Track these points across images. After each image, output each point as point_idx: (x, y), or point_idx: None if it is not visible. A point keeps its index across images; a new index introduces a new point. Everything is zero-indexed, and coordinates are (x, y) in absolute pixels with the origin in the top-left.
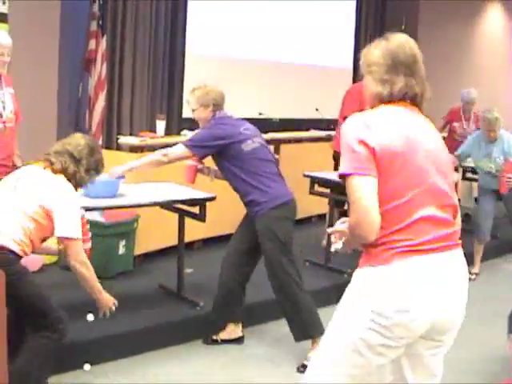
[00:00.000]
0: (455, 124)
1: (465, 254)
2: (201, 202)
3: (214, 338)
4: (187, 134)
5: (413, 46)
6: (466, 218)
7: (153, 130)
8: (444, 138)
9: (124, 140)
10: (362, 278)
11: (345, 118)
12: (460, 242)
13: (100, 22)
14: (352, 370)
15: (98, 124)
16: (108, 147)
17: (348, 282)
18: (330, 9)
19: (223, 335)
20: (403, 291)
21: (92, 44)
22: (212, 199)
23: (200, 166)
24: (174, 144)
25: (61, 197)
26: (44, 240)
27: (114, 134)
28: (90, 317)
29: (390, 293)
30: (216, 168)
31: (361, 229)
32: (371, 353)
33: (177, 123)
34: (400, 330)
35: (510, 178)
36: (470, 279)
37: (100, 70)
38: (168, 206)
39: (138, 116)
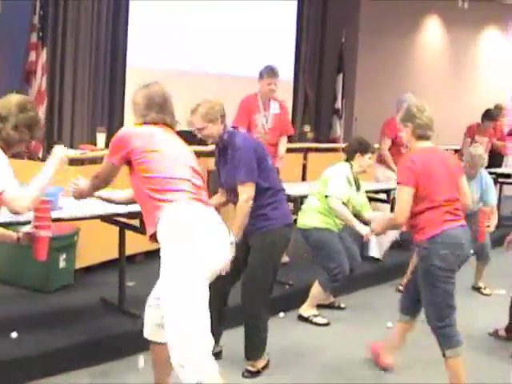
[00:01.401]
0: (401, 135)
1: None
2: (141, 215)
3: None
4: None
5: (165, 91)
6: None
7: (94, 142)
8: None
9: None
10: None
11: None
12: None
13: (40, 34)
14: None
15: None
16: None
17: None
18: (271, 21)
19: None
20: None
21: (32, 56)
22: None
23: None
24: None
25: None
26: None
27: (54, 147)
28: (14, 334)
29: (186, 228)
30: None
31: None
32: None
33: None
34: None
35: (487, 225)
36: (402, 291)
37: (40, 82)
38: (108, 219)
39: (79, 128)
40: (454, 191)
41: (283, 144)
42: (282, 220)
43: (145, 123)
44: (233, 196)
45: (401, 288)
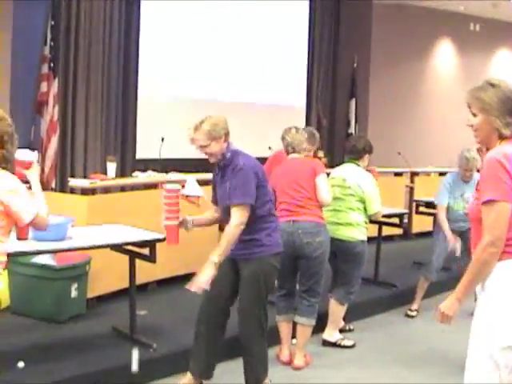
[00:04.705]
0: None
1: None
2: (150, 243)
3: None
4: (139, 176)
5: None
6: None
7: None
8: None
9: (74, 182)
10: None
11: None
12: None
13: (51, 65)
14: None
15: (50, 167)
16: (62, 190)
17: None
18: (283, 48)
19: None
20: None
21: (43, 87)
22: (162, 240)
23: (179, 222)
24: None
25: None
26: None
27: (67, 177)
28: (21, 364)
29: None
30: (192, 217)
31: None
32: None
33: (131, 165)
34: None
35: None
36: (410, 316)
37: (52, 112)
38: (118, 247)
39: (92, 158)
40: None
41: None
42: (275, 248)
43: (502, 137)
44: (227, 216)
45: (411, 313)
